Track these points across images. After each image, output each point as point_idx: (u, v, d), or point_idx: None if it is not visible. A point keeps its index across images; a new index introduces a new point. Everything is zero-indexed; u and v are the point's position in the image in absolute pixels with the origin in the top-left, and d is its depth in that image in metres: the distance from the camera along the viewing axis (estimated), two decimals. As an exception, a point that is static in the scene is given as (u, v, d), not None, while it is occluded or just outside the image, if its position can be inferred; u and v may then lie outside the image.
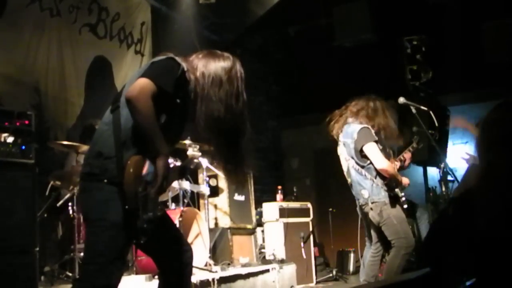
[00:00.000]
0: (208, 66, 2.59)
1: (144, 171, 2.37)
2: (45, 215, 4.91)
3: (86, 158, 2.53)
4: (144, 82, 2.35)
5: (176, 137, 2.72)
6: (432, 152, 6.35)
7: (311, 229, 7.19)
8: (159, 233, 2.51)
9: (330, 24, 8.85)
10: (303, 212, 7.19)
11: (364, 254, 4.88)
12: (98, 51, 6.47)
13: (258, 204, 7.13)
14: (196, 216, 5.40)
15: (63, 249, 4.96)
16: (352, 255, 7.81)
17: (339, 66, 8.81)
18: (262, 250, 6.84)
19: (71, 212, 4.89)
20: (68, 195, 4.95)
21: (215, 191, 6.41)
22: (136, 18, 7.12)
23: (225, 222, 6.43)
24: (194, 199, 6.14)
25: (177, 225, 4.79)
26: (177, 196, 5.53)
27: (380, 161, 4.46)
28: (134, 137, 2.41)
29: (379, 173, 4.50)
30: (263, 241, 6.98)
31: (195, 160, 5.25)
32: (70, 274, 4.68)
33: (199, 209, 5.98)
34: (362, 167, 4.53)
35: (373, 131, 4.55)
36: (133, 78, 2.49)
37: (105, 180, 2.39)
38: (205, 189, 5.72)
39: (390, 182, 4.52)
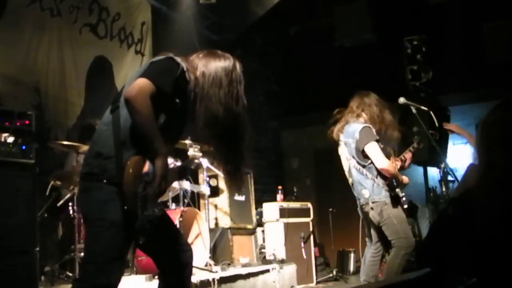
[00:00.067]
0: (209, 66, 2.59)
1: (145, 170, 2.37)
2: (45, 215, 4.91)
3: (86, 158, 2.53)
4: (143, 82, 2.35)
5: (175, 137, 2.72)
6: (433, 152, 6.35)
7: (311, 229, 7.19)
8: (159, 233, 2.51)
9: (330, 24, 8.86)
10: (304, 212, 7.19)
11: (364, 254, 4.88)
12: (98, 51, 6.47)
13: (259, 204, 7.13)
14: (196, 216, 5.40)
15: (63, 249, 4.96)
16: (352, 255, 7.81)
17: (339, 66, 8.81)
18: (263, 250, 6.84)
19: (71, 212, 4.89)
20: (68, 195, 4.96)
21: (215, 191, 6.41)
22: (137, 18, 7.12)
23: (225, 222, 6.43)
24: (195, 199, 6.14)
25: (178, 225, 4.79)
26: (177, 196, 5.53)
27: (381, 160, 4.46)
28: (134, 137, 2.41)
29: (380, 173, 4.50)
30: (264, 241, 6.98)
31: (196, 161, 5.26)
32: (71, 274, 4.68)
33: (199, 209, 5.98)
34: (363, 166, 4.53)
35: (374, 130, 4.54)
36: (132, 78, 2.48)
37: (105, 180, 2.39)
38: (205, 189, 5.72)
39: (391, 181, 4.52)
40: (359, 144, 4.51)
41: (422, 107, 5.04)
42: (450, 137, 7.58)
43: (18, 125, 4.04)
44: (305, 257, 6.91)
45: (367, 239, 4.85)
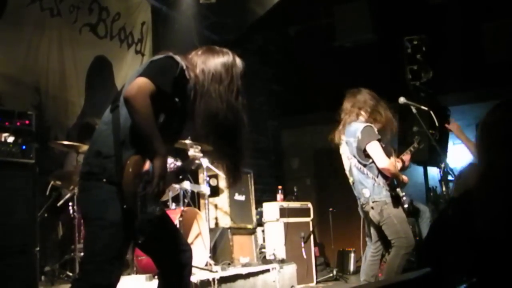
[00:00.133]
0: (208, 63, 2.59)
1: (145, 169, 2.37)
2: (45, 215, 4.91)
3: (86, 158, 2.53)
4: (142, 81, 2.35)
5: (175, 137, 2.72)
6: (433, 152, 6.35)
7: (311, 229, 7.19)
8: (159, 233, 2.51)
9: (330, 24, 8.86)
10: (304, 212, 7.19)
11: (365, 254, 4.88)
12: (98, 51, 6.47)
13: (259, 204, 7.14)
14: (196, 216, 5.40)
15: (63, 249, 4.96)
16: (352, 255, 7.81)
17: (339, 66, 8.81)
18: (263, 250, 6.84)
19: (71, 212, 4.89)
20: (68, 195, 4.95)
21: (215, 191, 6.41)
22: (137, 18, 7.12)
23: (225, 222, 6.43)
24: (195, 199, 6.14)
25: (178, 225, 4.79)
26: (177, 196, 5.53)
27: (382, 160, 4.46)
28: (134, 136, 2.41)
29: (381, 172, 4.50)
30: (264, 241, 6.98)
31: (196, 161, 5.26)
32: (71, 274, 4.68)
33: (199, 209, 5.98)
34: (364, 166, 4.53)
35: (375, 129, 4.55)
36: (132, 77, 2.48)
37: (104, 180, 2.39)
38: (205, 189, 5.72)
39: (391, 181, 4.52)
40: (360, 143, 4.51)
41: (422, 107, 5.04)
42: (450, 137, 7.59)
43: (18, 125, 4.04)
44: (305, 257, 6.91)
45: (367, 239, 4.86)
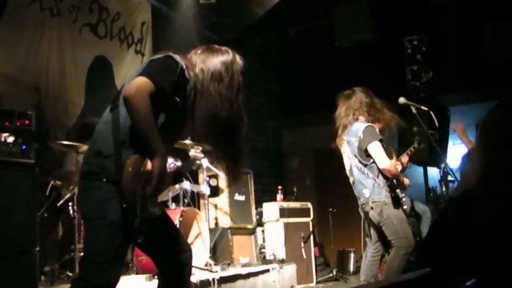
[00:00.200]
0: (207, 62, 2.58)
1: (148, 169, 2.37)
2: (45, 215, 4.91)
3: (85, 157, 2.53)
4: (141, 80, 2.35)
5: (175, 137, 2.72)
6: (433, 152, 6.35)
7: (311, 229, 7.19)
8: (158, 233, 2.51)
9: (330, 24, 8.86)
10: (303, 212, 7.19)
11: (365, 254, 4.88)
12: (98, 51, 6.47)
13: (259, 204, 7.13)
14: (196, 216, 5.40)
15: (63, 249, 4.96)
16: (352, 255, 7.81)
17: (339, 66, 8.81)
18: (262, 250, 6.84)
19: (71, 212, 4.89)
20: (68, 195, 4.95)
21: (215, 191, 6.41)
22: (137, 18, 7.12)
23: (225, 222, 6.43)
24: (195, 199, 6.14)
25: (177, 225, 4.79)
26: (177, 196, 5.53)
27: (383, 160, 4.45)
28: (133, 136, 2.41)
29: (381, 173, 4.50)
30: (263, 241, 6.98)
31: (197, 162, 5.27)
32: (70, 274, 4.68)
33: (199, 209, 5.98)
34: (365, 165, 4.53)
35: (377, 129, 4.55)
36: (132, 76, 2.48)
37: (104, 179, 2.38)
38: (205, 189, 5.72)
39: (392, 182, 4.52)
40: (362, 143, 4.51)
41: (422, 107, 5.04)
42: (450, 137, 7.59)
43: (18, 125, 4.04)
44: (305, 257, 6.91)
45: (367, 239, 4.86)
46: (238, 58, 2.64)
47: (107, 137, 2.44)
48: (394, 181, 4.53)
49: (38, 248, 3.96)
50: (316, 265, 7.12)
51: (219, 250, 6.15)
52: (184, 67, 2.52)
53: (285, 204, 7.03)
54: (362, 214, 4.74)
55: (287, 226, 6.83)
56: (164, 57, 2.51)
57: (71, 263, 4.78)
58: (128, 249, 2.64)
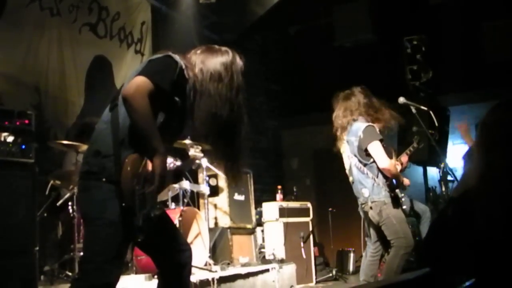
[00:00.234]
0: (207, 62, 2.58)
1: (150, 169, 2.37)
2: (45, 214, 4.91)
3: (85, 157, 2.53)
4: (140, 80, 2.35)
5: (175, 136, 2.72)
6: (432, 152, 6.36)
7: (311, 229, 7.19)
8: (158, 232, 2.51)
9: (330, 24, 8.87)
10: (303, 212, 7.19)
11: (365, 253, 4.88)
12: (98, 50, 6.47)
13: (258, 204, 7.13)
14: (196, 216, 5.40)
15: (63, 249, 4.96)
16: (352, 255, 7.81)
17: (339, 66, 8.81)
18: (262, 250, 6.83)
19: (71, 211, 4.89)
20: (68, 195, 4.95)
21: (215, 191, 6.41)
22: (136, 17, 7.12)
23: (225, 221, 6.43)
24: (194, 199, 6.14)
25: (177, 225, 4.79)
26: (177, 195, 5.53)
27: (383, 160, 4.45)
28: (133, 135, 2.40)
29: (381, 172, 4.50)
30: (263, 240, 6.98)
31: (197, 161, 5.26)
32: (70, 274, 4.68)
33: (199, 208, 5.98)
34: (365, 165, 4.53)
35: (377, 129, 4.54)
36: (131, 76, 2.48)
37: (104, 179, 2.38)
38: (205, 189, 5.72)
39: (391, 182, 4.52)
40: (362, 143, 4.50)
41: (422, 107, 5.04)
42: (449, 137, 7.60)
43: (18, 125, 4.03)
44: (304, 256, 6.91)
45: (367, 239, 4.86)
46: (238, 59, 2.64)
47: (106, 137, 2.44)
48: (394, 181, 4.53)
49: (37, 248, 3.96)
50: (315, 265, 7.13)
51: (219, 250, 6.15)
52: (184, 66, 2.52)
53: (285, 204, 7.03)
54: (361, 213, 4.74)
55: (286, 226, 6.83)
56: (163, 57, 2.51)
57: (71, 262, 4.78)
58: (128, 248, 2.64)
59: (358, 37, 8.65)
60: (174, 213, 4.98)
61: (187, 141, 5.16)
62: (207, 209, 5.67)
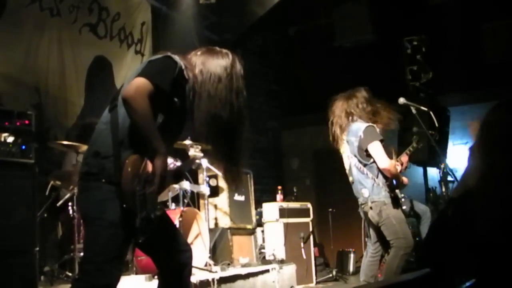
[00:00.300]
0: (207, 64, 2.59)
1: (149, 170, 2.37)
2: (45, 215, 4.91)
3: (85, 158, 2.53)
4: (140, 81, 2.35)
5: (175, 137, 2.72)
6: (432, 153, 6.35)
7: (311, 229, 7.19)
8: (158, 233, 2.51)
9: (330, 24, 8.87)
10: (303, 212, 7.19)
11: (364, 254, 4.88)
12: (98, 51, 6.47)
13: (258, 204, 7.13)
14: (196, 216, 5.40)
15: (63, 249, 4.96)
16: (352, 255, 7.81)
17: (339, 67, 8.81)
18: (262, 250, 6.83)
19: (71, 212, 4.89)
20: (68, 195, 4.95)
21: (215, 191, 6.41)
22: (136, 18, 7.12)
23: (225, 222, 6.42)
24: (194, 199, 6.14)
25: (177, 225, 4.79)
26: (177, 196, 5.53)
27: (383, 160, 4.45)
28: (132, 136, 2.41)
29: (381, 172, 4.50)
30: (263, 241, 6.97)
31: (197, 161, 5.26)
32: (70, 274, 4.68)
33: (199, 209, 5.98)
34: (365, 165, 4.53)
35: (378, 129, 4.54)
36: (130, 77, 2.48)
37: (103, 180, 2.38)
38: (205, 189, 5.72)
39: (391, 182, 4.52)
40: (362, 143, 4.50)
41: (422, 108, 5.04)
42: (450, 138, 7.60)
43: (18, 125, 4.04)
44: (304, 257, 6.91)
45: (367, 239, 4.86)
46: (238, 61, 2.65)
47: (106, 138, 2.44)
48: (394, 181, 4.53)
49: (37, 248, 3.97)
50: (315, 265, 7.12)
51: (219, 250, 6.15)
52: (183, 67, 2.52)
53: (285, 204, 7.03)
54: (361, 214, 4.74)
55: (286, 226, 6.83)
56: (163, 58, 2.51)
57: (71, 263, 4.78)
58: (128, 249, 2.64)
59: (358, 38, 8.65)
60: (174, 214, 4.98)
61: (187, 142, 5.16)
62: (207, 210, 5.67)
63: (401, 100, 4.86)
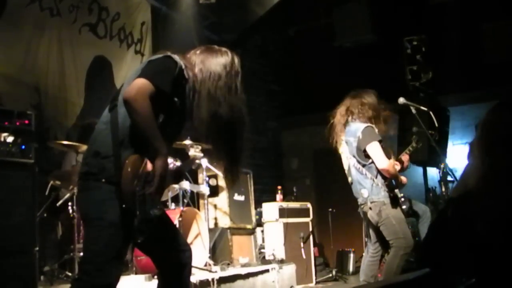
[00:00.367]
0: (206, 62, 2.59)
1: (148, 169, 2.37)
2: (45, 215, 4.91)
3: (85, 158, 2.53)
4: (141, 82, 2.35)
5: (174, 136, 2.72)
6: (432, 153, 6.36)
7: (310, 229, 7.18)
8: (158, 233, 2.51)
9: (330, 24, 8.87)
10: (303, 212, 7.18)
11: (364, 254, 4.88)
12: (98, 51, 6.47)
13: (258, 204, 7.13)
14: (195, 216, 5.40)
15: (62, 249, 4.96)
16: (351, 255, 7.81)
17: (339, 66, 8.81)
18: (262, 250, 6.83)
19: (70, 212, 4.89)
20: (67, 195, 4.95)
21: (215, 191, 6.41)
22: (136, 18, 7.12)
23: (224, 222, 6.42)
24: (194, 199, 6.14)
25: (177, 225, 4.79)
26: (177, 196, 5.52)
27: (382, 160, 4.45)
28: (132, 136, 2.41)
29: (380, 173, 4.49)
30: (263, 241, 6.97)
31: (197, 161, 5.26)
32: (70, 274, 4.68)
33: (198, 209, 5.97)
34: (363, 166, 4.52)
35: (376, 130, 4.54)
36: (130, 77, 2.48)
37: (103, 180, 2.38)
38: (205, 189, 5.72)
39: (390, 182, 4.51)
40: (361, 144, 4.50)
41: (422, 108, 5.04)
42: (449, 138, 7.60)
43: (18, 125, 4.04)
44: (304, 257, 6.91)
45: (366, 239, 4.85)
46: (236, 60, 2.65)
47: (106, 137, 2.44)
48: (393, 181, 4.53)
49: (37, 248, 3.96)
50: (315, 265, 7.12)
51: (219, 250, 6.15)
52: (183, 67, 2.52)
53: (285, 204, 7.02)
54: (361, 214, 4.73)
55: (286, 226, 6.83)
56: (163, 58, 2.51)
57: (71, 263, 4.78)
58: (128, 249, 2.64)
59: (358, 37, 8.66)
60: (174, 214, 4.98)
61: (187, 142, 5.16)
62: (207, 210, 5.67)
63: (401, 100, 4.86)
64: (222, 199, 6.49)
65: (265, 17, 8.02)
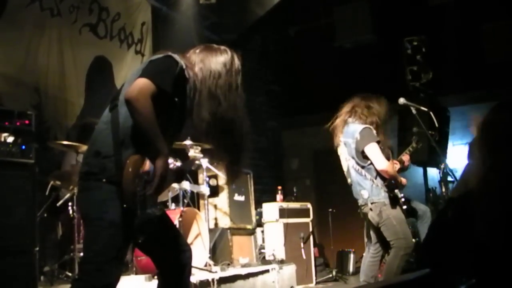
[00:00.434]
0: (206, 61, 2.59)
1: (146, 169, 2.37)
2: (45, 215, 4.91)
3: (85, 158, 2.52)
4: (143, 82, 2.35)
5: (174, 136, 2.72)
6: (432, 153, 6.35)
7: (311, 229, 7.18)
8: (158, 233, 2.51)
9: (330, 24, 8.87)
10: (303, 213, 7.18)
11: (364, 255, 4.88)
12: (98, 51, 6.47)
13: (258, 205, 7.13)
14: (196, 216, 5.40)
15: (62, 249, 4.96)
16: (352, 255, 7.81)
17: (339, 67, 8.81)
18: (262, 251, 6.83)
19: (70, 212, 4.89)
20: (67, 195, 4.95)
21: (215, 191, 6.41)
22: (137, 18, 7.12)
23: (225, 222, 6.42)
24: (194, 199, 6.14)
25: (177, 225, 4.79)
26: (177, 196, 5.52)
27: (381, 162, 4.45)
28: (133, 135, 2.41)
29: (379, 174, 4.49)
30: (263, 241, 6.97)
31: (196, 162, 5.26)
32: (70, 274, 4.68)
33: (199, 209, 5.97)
34: (362, 167, 4.53)
35: (374, 131, 4.54)
36: (131, 77, 2.48)
37: (104, 179, 2.38)
38: (205, 189, 5.72)
39: (389, 182, 4.51)
40: (359, 145, 4.50)
41: (422, 108, 5.04)
42: (450, 138, 7.60)
43: (18, 125, 4.04)
44: (304, 257, 6.91)
45: (367, 240, 4.85)
46: (236, 58, 2.65)
47: (106, 137, 2.44)
48: (392, 181, 4.53)
49: (37, 248, 3.96)
50: (315, 266, 7.12)
51: (219, 251, 6.15)
52: (184, 66, 2.52)
53: (285, 205, 7.02)
54: (361, 215, 4.73)
55: (286, 226, 6.83)
56: (163, 57, 2.51)
57: (71, 263, 4.78)
58: (128, 249, 2.64)
59: (358, 38, 8.66)
60: (174, 214, 4.98)
61: (187, 142, 5.16)
62: (207, 210, 5.67)
63: (401, 100, 4.86)
64: (222, 199, 6.50)
65: (265, 17, 8.03)
